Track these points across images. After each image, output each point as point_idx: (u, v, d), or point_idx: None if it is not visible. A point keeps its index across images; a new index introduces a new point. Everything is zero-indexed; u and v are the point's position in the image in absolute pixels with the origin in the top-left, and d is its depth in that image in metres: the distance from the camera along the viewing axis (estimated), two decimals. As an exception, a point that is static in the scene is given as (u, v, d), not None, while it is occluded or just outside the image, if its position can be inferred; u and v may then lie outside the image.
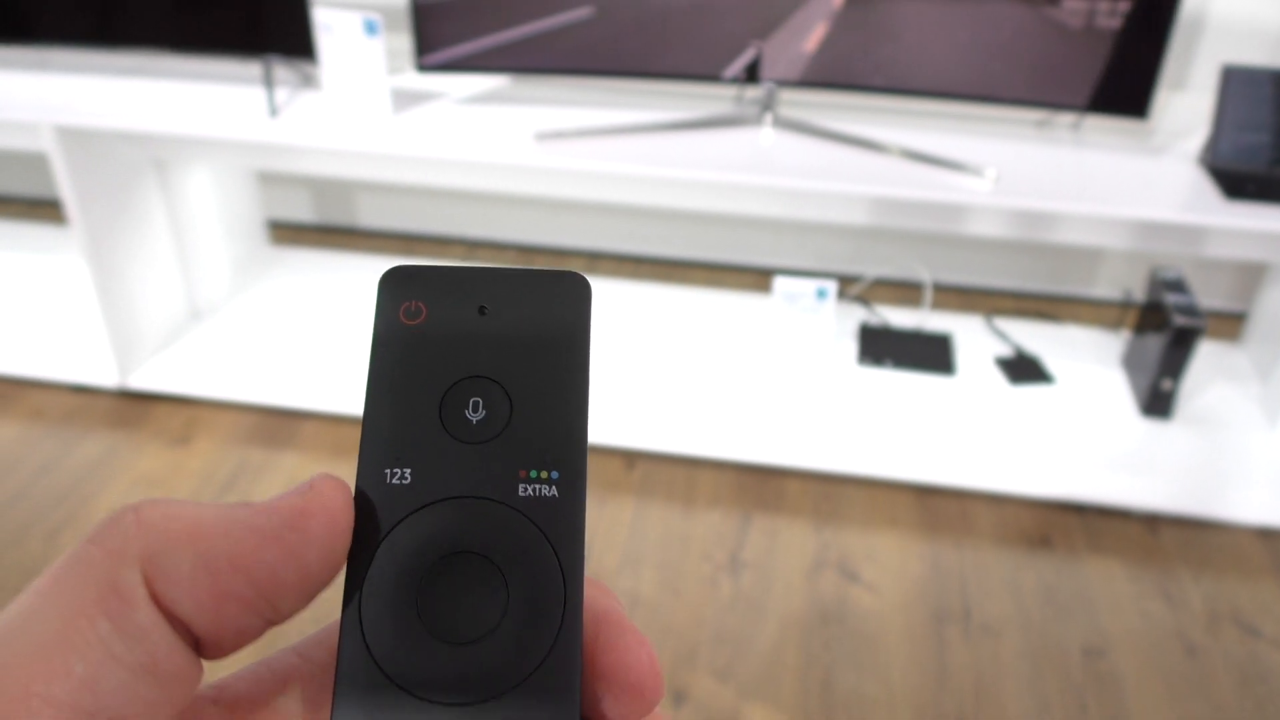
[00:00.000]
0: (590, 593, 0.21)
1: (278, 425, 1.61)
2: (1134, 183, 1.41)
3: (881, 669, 1.23)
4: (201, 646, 0.19)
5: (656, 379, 1.65)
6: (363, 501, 0.21)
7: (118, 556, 0.17)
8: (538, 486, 0.21)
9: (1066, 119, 1.57)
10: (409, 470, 0.21)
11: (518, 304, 0.22)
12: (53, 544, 1.37)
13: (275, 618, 0.19)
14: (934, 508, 1.47)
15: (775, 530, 1.43)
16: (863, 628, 1.28)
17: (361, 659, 0.20)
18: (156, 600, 0.18)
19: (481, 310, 0.22)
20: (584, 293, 0.23)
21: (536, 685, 0.20)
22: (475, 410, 0.22)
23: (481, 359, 0.22)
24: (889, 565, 1.38)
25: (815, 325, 1.64)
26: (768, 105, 1.50)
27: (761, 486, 1.50)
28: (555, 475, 0.21)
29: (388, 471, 0.21)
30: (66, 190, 1.48)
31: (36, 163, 2.22)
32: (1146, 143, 1.54)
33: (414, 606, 0.20)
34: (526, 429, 0.22)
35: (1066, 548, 1.41)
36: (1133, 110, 1.40)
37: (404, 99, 1.54)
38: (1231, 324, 1.90)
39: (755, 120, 1.51)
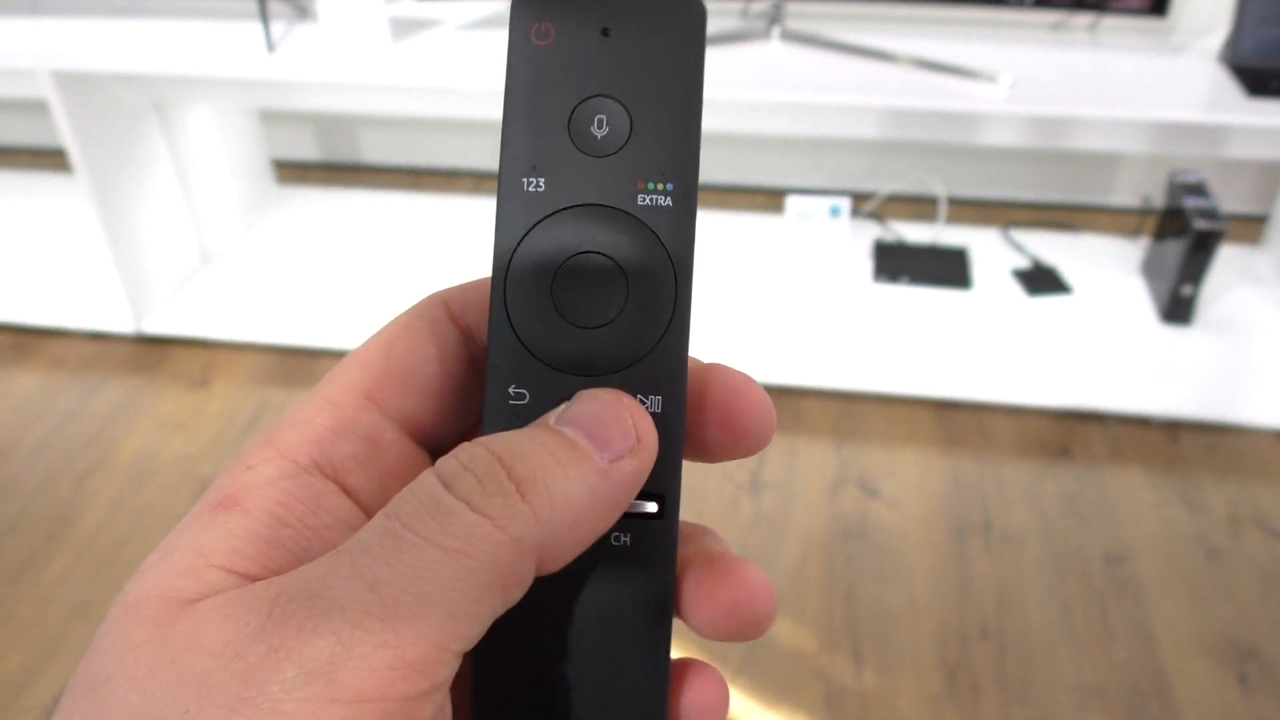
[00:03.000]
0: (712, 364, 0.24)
1: (295, 364, 1.62)
2: (1153, 84, 1.37)
3: (904, 582, 1.24)
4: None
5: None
6: (505, 206, 0.24)
7: (519, 545, 0.19)
8: (654, 197, 0.23)
9: (1082, 21, 1.53)
10: (542, 180, 0.24)
11: (639, 26, 0.24)
12: (82, 489, 1.39)
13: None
14: (953, 422, 1.47)
15: (795, 450, 1.43)
16: (885, 542, 1.29)
17: (508, 335, 0.23)
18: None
19: (605, 32, 0.24)
20: (700, 15, 0.24)
21: (649, 366, 0.23)
22: (599, 127, 0.24)
23: (605, 79, 0.24)
24: (909, 480, 1.38)
25: (829, 243, 1.62)
26: (775, 18, 1.46)
27: (780, 406, 1.50)
28: (670, 187, 0.23)
29: (524, 180, 0.24)
30: (68, 137, 1.47)
31: (38, 111, 2.20)
32: (1165, 42, 1.50)
33: (549, 296, 0.23)
34: (645, 144, 0.23)
35: (1086, 457, 1.41)
36: (1151, 7, 1.36)
37: (403, 28, 1.51)
38: (1252, 227, 1.87)
39: (763, 34, 1.48)
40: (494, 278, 0.24)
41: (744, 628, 0.23)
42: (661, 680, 0.23)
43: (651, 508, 0.23)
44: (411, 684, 0.18)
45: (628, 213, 0.23)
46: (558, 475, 0.20)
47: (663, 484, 0.23)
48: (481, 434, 0.22)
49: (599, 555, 0.23)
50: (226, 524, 0.20)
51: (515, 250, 0.24)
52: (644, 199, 0.23)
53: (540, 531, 0.19)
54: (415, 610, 0.18)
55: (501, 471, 0.20)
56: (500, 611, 0.19)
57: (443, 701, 0.19)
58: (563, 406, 0.22)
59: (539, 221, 0.23)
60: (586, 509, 0.20)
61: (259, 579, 0.20)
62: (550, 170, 0.23)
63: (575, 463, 0.20)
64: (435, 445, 0.24)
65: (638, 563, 0.23)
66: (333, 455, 0.22)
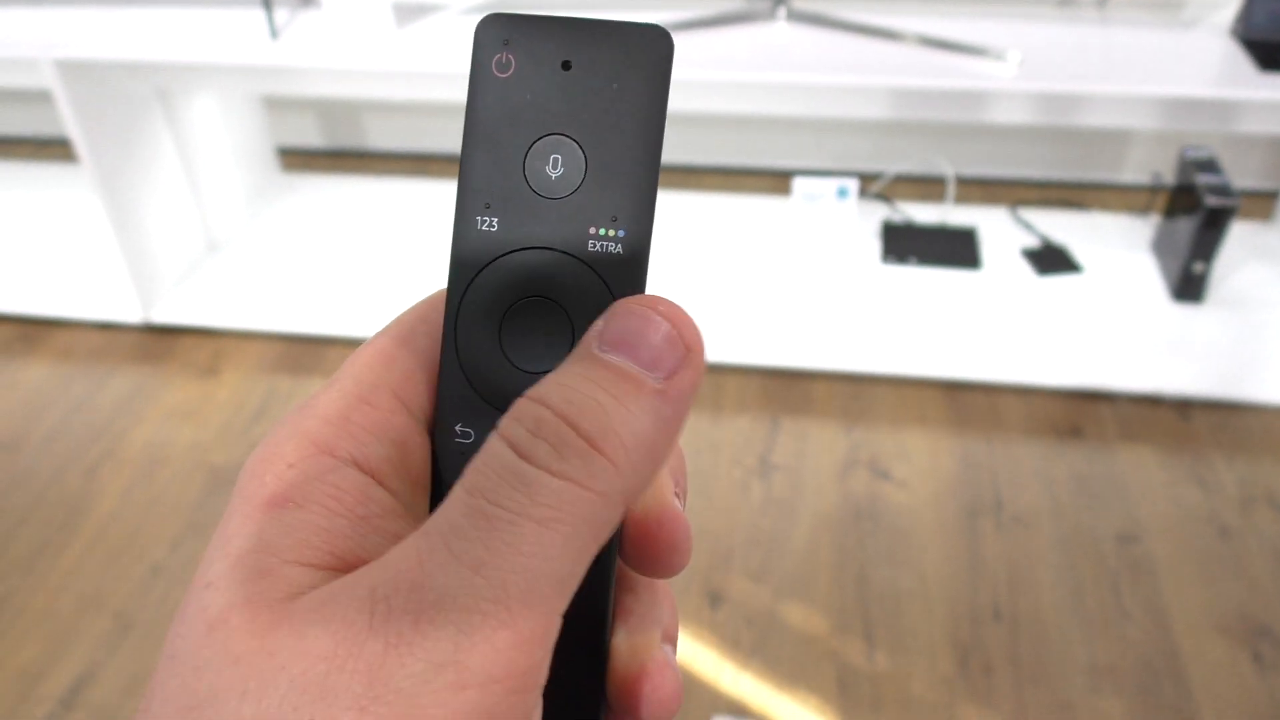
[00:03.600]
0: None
1: (303, 352, 1.61)
2: (1163, 59, 1.36)
3: (915, 563, 1.24)
4: None
5: (678, 287, 1.64)
6: (458, 243, 0.23)
7: (607, 499, 0.20)
8: (605, 244, 0.23)
9: (1092, -4, 1.51)
10: (496, 219, 0.23)
11: (601, 60, 0.23)
12: (92, 479, 1.40)
13: None
14: (963, 403, 1.46)
15: (804, 433, 1.43)
16: (896, 524, 1.29)
17: (456, 374, 0.23)
18: None
19: (566, 65, 0.23)
20: (665, 48, 0.23)
21: None
22: (555, 167, 0.23)
23: (562, 116, 0.23)
24: (920, 462, 1.38)
25: (837, 225, 1.61)
26: (780, -2, 1.45)
27: (789, 390, 1.50)
28: (622, 234, 0.23)
29: (479, 219, 0.23)
30: (72, 127, 1.47)
31: (42, 101, 2.20)
32: (1176, 16, 1.48)
33: (496, 339, 0.23)
34: (599, 188, 0.23)
35: (1098, 437, 1.40)
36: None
37: (406, 12, 1.50)
38: (1264, 203, 1.86)
39: (768, 15, 1.46)
40: (445, 316, 0.23)
41: (665, 572, 0.24)
42: (599, 695, 0.23)
43: None
44: (531, 656, 0.18)
45: (576, 258, 0.23)
46: (622, 416, 0.20)
47: None
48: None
49: None
50: (286, 521, 0.20)
51: (466, 291, 0.23)
52: (594, 245, 0.23)
53: (623, 478, 0.20)
54: (526, 587, 0.18)
55: (570, 430, 0.19)
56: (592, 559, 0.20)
57: (548, 667, 0.19)
58: (601, 322, 0.21)
59: (489, 263, 0.23)
60: (657, 438, 0.20)
61: (330, 569, 0.20)
62: (504, 210, 0.23)
63: (635, 396, 0.20)
64: None
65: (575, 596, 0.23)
66: (370, 455, 0.22)
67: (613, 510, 0.20)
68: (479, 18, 0.24)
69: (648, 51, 0.23)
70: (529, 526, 0.18)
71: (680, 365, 0.21)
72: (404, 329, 0.24)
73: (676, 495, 0.24)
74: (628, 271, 0.23)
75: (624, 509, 0.20)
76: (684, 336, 0.21)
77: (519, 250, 0.23)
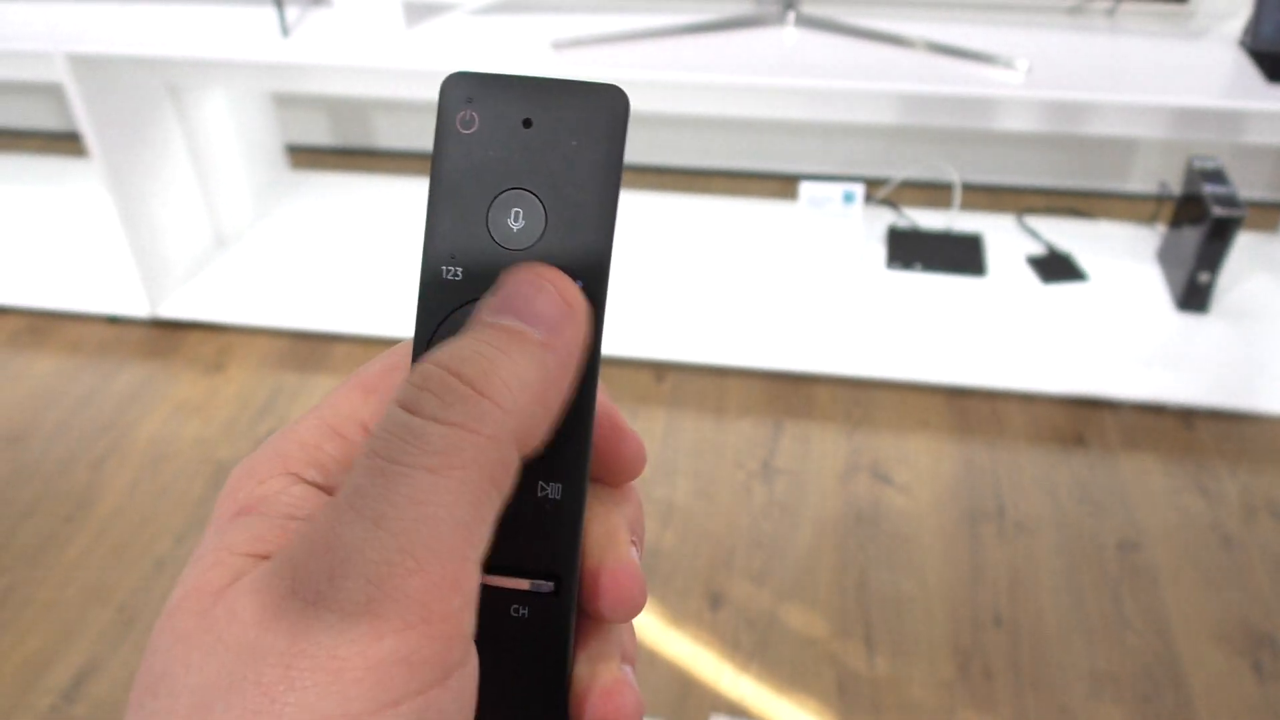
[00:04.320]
0: (601, 398, 0.25)
1: (309, 349, 1.62)
2: (1172, 69, 1.36)
3: (917, 568, 1.24)
4: None
5: (684, 290, 1.64)
6: (424, 290, 0.24)
7: (497, 441, 0.20)
8: None
9: (1101, 5, 1.52)
10: (460, 269, 0.24)
11: (561, 117, 0.24)
12: (99, 473, 1.40)
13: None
14: (966, 409, 1.47)
15: (807, 436, 1.43)
16: (897, 529, 1.29)
17: None
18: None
19: (527, 123, 0.24)
20: (621, 107, 0.24)
21: (552, 452, 0.23)
22: (516, 220, 0.24)
23: (523, 171, 0.24)
24: (922, 467, 1.38)
25: (843, 229, 1.62)
26: (790, 3, 1.45)
27: (792, 394, 1.51)
28: (581, 284, 0.23)
29: (443, 268, 0.24)
30: (83, 121, 1.48)
31: (54, 95, 2.21)
32: (1185, 26, 1.48)
33: None
34: (558, 240, 0.24)
35: (1101, 445, 1.41)
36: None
37: (416, 11, 1.50)
38: (1271, 214, 1.86)
39: (778, 19, 1.47)
40: (413, 361, 0.24)
41: (622, 618, 0.24)
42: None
43: (548, 587, 0.24)
44: (446, 602, 0.19)
45: None
46: (506, 364, 0.21)
47: (559, 565, 0.24)
48: None
49: (502, 623, 0.24)
50: (247, 525, 0.22)
51: (432, 336, 0.24)
52: None
53: (510, 419, 0.21)
54: (429, 533, 0.19)
55: (454, 379, 0.21)
56: (500, 505, 0.21)
57: (473, 616, 0.20)
58: (489, 293, 0.23)
59: (452, 311, 0.24)
60: (544, 384, 0.22)
61: None
62: (467, 260, 0.24)
63: (517, 346, 0.21)
64: None
65: (535, 634, 0.24)
66: (335, 483, 0.24)
67: (506, 451, 0.20)
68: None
69: (605, 110, 0.24)
70: (422, 476, 0.19)
71: (563, 320, 0.22)
72: (386, 365, 0.25)
73: (633, 544, 0.25)
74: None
75: (517, 451, 0.21)
76: (565, 295, 0.23)
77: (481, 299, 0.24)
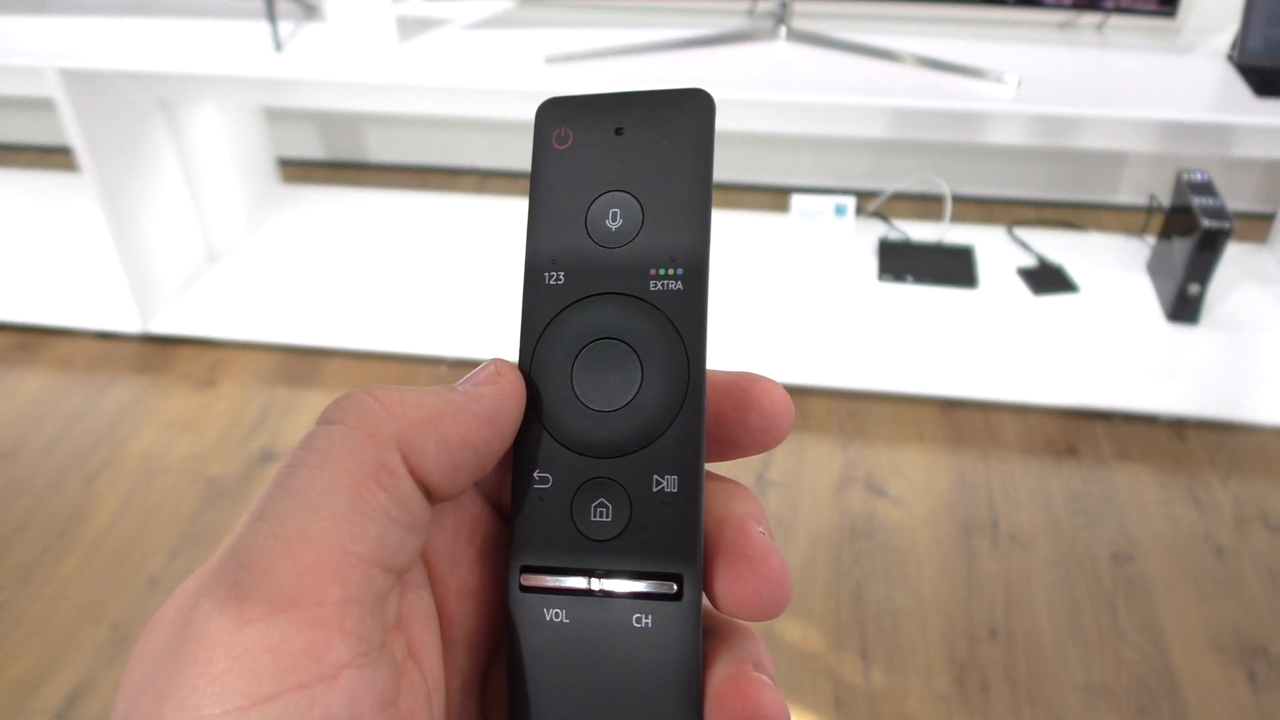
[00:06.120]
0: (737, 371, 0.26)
1: (301, 364, 1.62)
2: (1161, 83, 1.37)
3: (912, 581, 1.24)
4: (431, 499, 0.23)
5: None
6: (528, 299, 0.25)
7: (376, 439, 0.21)
8: (665, 281, 0.24)
9: (1090, 20, 1.53)
10: (562, 273, 0.25)
11: (650, 123, 0.25)
12: (90, 489, 1.40)
13: (482, 475, 0.24)
14: (959, 421, 1.47)
15: (801, 449, 1.44)
16: (892, 541, 1.29)
17: (532, 422, 0.25)
18: (411, 472, 0.22)
19: (619, 131, 0.25)
20: (708, 108, 0.25)
21: (664, 446, 0.24)
22: (614, 220, 0.25)
23: (618, 175, 0.25)
24: (916, 479, 1.38)
25: (834, 242, 1.62)
26: (781, 18, 1.46)
27: (786, 406, 1.50)
28: (680, 271, 0.24)
29: (546, 274, 0.25)
30: (75, 135, 1.47)
31: (45, 109, 2.20)
32: (1173, 42, 1.50)
33: (569, 384, 0.25)
34: (656, 232, 0.25)
35: (1093, 456, 1.41)
36: (1159, 7, 1.36)
37: (409, 27, 1.51)
38: (1259, 225, 1.87)
39: (769, 34, 1.48)
40: (519, 369, 0.25)
41: (760, 613, 0.23)
42: None
43: (670, 588, 0.23)
44: (319, 588, 0.19)
45: (640, 298, 0.24)
46: (411, 386, 0.23)
47: (680, 563, 0.23)
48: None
49: (624, 636, 0.23)
50: None
51: (538, 342, 0.25)
52: (655, 284, 0.24)
53: (395, 424, 0.22)
54: (301, 523, 0.20)
55: (360, 391, 0.22)
56: (391, 510, 0.21)
57: (366, 615, 0.20)
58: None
59: (558, 313, 0.25)
60: (442, 411, 0.22)
61: None
62: (569, 264, 0.25)
63: (434, 384, 0.23)
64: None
65: (660, 643, 0.23)
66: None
67: (385, 451, 0.21)
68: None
69: (692, 109, 0.25)
70: (303, 472, 0.20)
71: (487, 379, 0.24)
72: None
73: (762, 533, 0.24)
74: (688, 304, 0.24)
75: (399, 455, 0.21)
76: (496, 367, 0.24)
77: (586, 298, 0.25)
